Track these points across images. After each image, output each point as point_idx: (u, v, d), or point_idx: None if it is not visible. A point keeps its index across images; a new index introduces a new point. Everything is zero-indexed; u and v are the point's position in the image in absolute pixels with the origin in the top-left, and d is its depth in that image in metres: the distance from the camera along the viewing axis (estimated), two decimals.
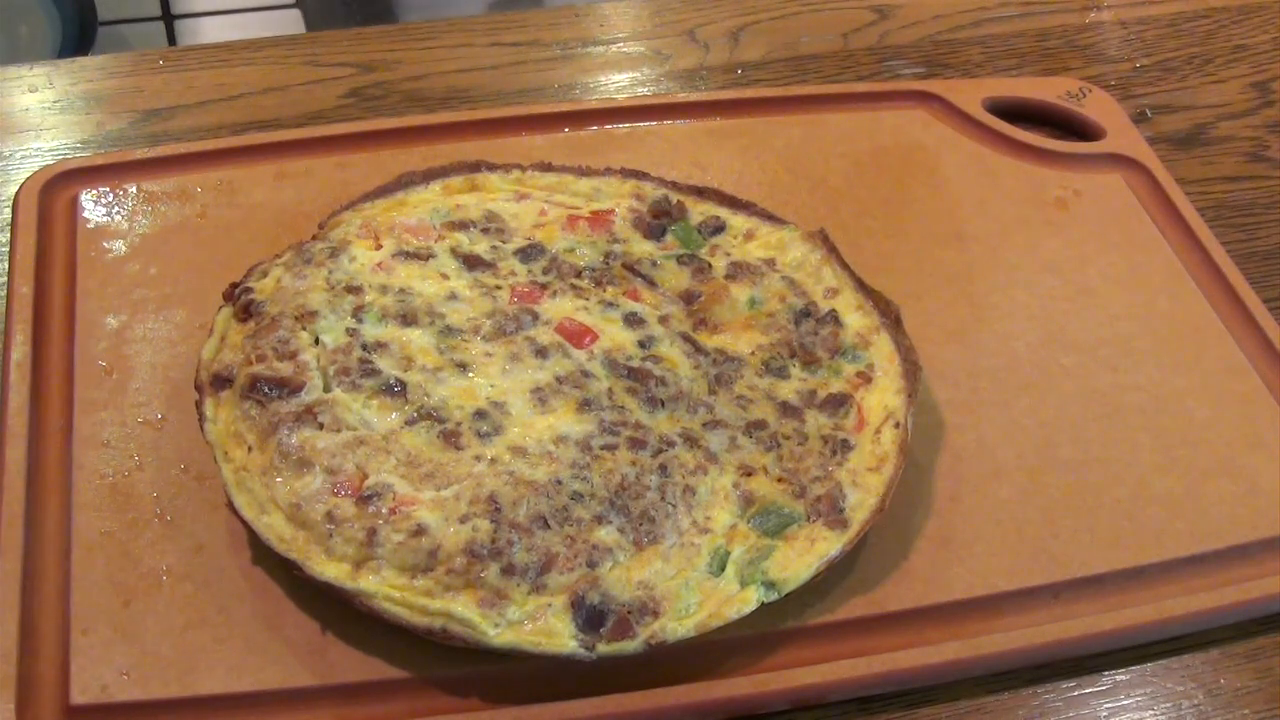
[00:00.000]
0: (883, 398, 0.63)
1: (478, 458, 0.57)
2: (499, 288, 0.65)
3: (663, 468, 0.58)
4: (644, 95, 0.86)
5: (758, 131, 0.81)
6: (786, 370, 0.64)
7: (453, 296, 0.64)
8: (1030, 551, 0.61)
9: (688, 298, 0.66)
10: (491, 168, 0.71)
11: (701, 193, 0.72)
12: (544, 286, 0.66)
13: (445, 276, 0.65)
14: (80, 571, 0.57)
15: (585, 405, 0.60)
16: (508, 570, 0.53)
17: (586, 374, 0.61)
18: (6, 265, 0.69)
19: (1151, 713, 0.58)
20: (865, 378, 0.64)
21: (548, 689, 0.54)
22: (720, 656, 0.56)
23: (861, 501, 0.58)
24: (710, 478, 0.58)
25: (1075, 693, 0.58)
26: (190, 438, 0.61)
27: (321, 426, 0.57)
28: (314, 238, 0.67)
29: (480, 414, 0.59)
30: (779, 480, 0.59)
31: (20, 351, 0.64)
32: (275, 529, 0.55)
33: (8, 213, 0.72)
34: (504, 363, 0.61)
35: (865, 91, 0.85)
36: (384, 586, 0.53)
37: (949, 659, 0.56)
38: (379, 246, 0.66)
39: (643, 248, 0.69)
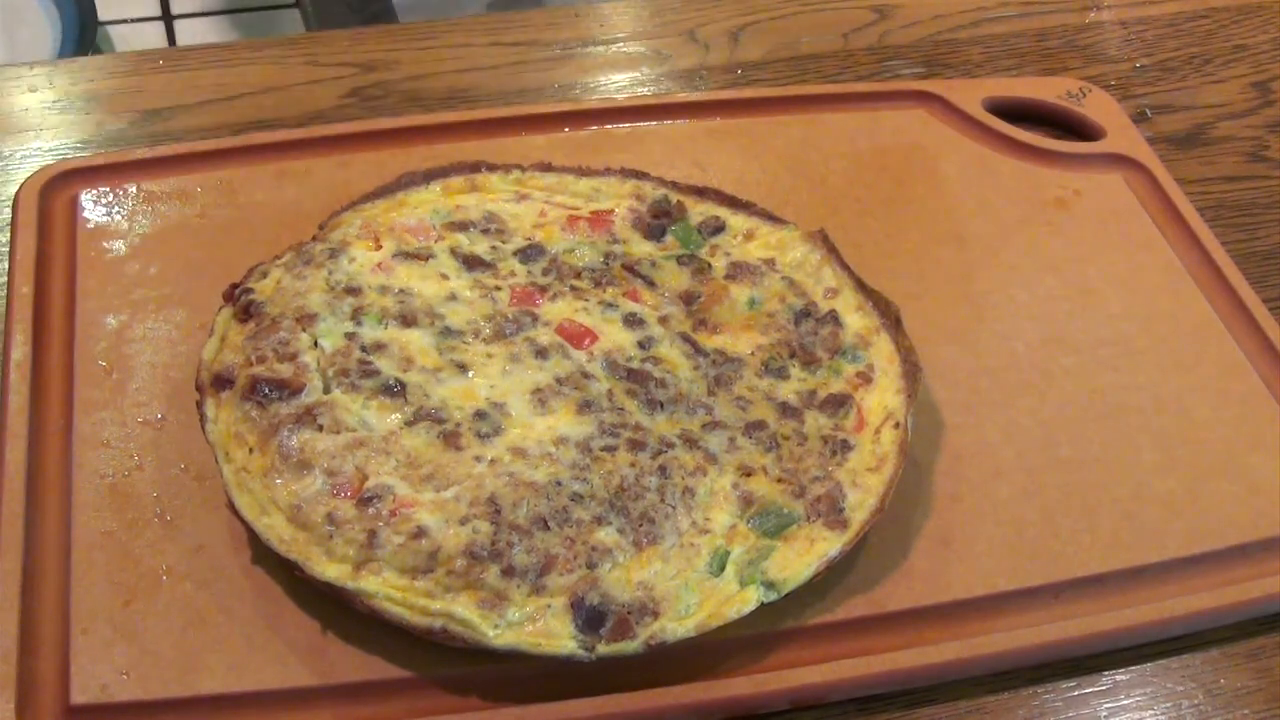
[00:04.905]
0: (883, 398, 0.63)
1: (478, 458, 0.57)
2: (499, 288, 0.65)
3: (662, 469, 0.58)
4: (644, 95, 0.86)
5: (758, 131, 0.81)
6: (786, 370, 0.64)
7: (452, 297, 0.64)
8: (1030, 551, 0.61)
9: (687, 298, 0.66)
10: (491, 168, 0.71)
11: (701, 193, 0.72)
12: (544, 288, 0.66)
13: (445, 277, 0.65)
14: (80, 571, 0.57)
15: (585, 407, 0.60)
16: (508, 572, 0.53)
17: (586, 375, 0.61)
18: (6, 265, 0.69)
19: (1151, 713, 0.58)
20: (865, 378, 0.64)
21: (548, 689, 0.54)
22: (720, 656, 0.56)
23: (861, 502, 0.58)
24: (709, 479, 0.58)
25: (1075, 693, 0.58)
26: (190, 438, 0.61)
27: (321, 428, 0.57)
28: (314, 238, 0.67)
29: (480, 414, 0.59)
30: (778, 480, 0.59)
31: (20, 351, 0.64)
32: (276, 530, 0.55)
33: (8, 213, 0.72)
34: (504, 363, 0.61)
35: (865, 91, 0.85)
36: (384, 586, 0.53)
37: (949, 659, 0.56)
38: (379, 247, 0.66)
39: (642, 248, 0.69)
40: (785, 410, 0.62)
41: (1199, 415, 0.67)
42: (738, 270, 0.68)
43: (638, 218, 0.70)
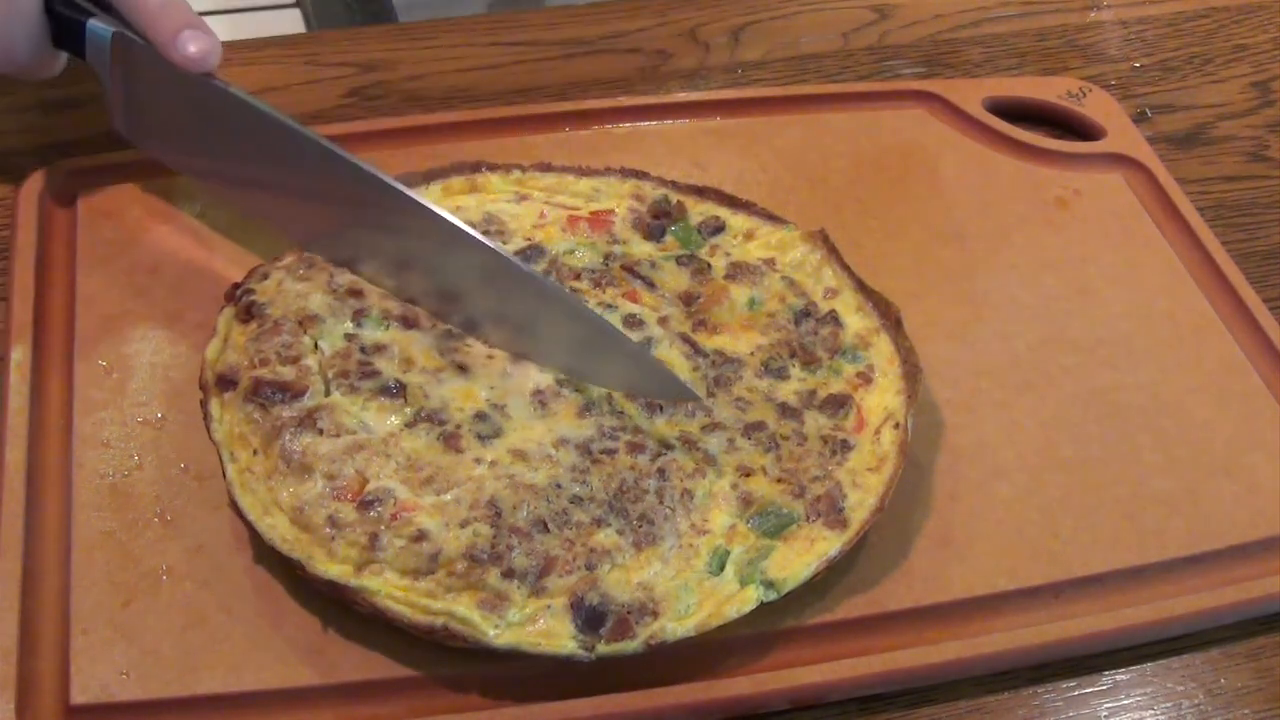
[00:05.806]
0: (883, 399, 0.63)
1: (477, 461, 0.57)
2: None
3: (661, 471, 0.58)
4: (644, 95, 0.86)
5: (758, 131, 0.81)
6: (786, 371, 0.64)
7: None
8: (1030, 551, 0.61)
9: (687, 299, 0.66)
10: (492, 168, 0.71)
11: (701, 193, 0.72)
12: None
13: None
14: (80, 571, 0.57)
15: (585, 410, 0.60)
16: (508, 574, 0.53)
17: None
18: (6, 265, 0.69)
19: (1151, 713, 0.58)
20: (865, 378, 0.64)
21: (548, 689, 0.54)
22: (720, 656, 0.56)
23: (861, 501, 0.58)
24: (708, 480, 0.58)
25: (1075, 693, 0.58)
26: (190, 438, 0.61)
27: (321, 432, 0.57)
28: None
29: (480, 416, 0.59)
30: (778, 481, 0.59)
31: (20, 351, 0.64)
32: (279, 529, 0.55)
33: (8, 213, 0.72)
34: (504, 365, 0.61)
35: (865, 91, 0.85)
36: (386, 585, 0.53)
37: (949, 659, 0.56)
38: None
39: (642, 249, 0.69)
40: (785, 411, 0.62)
41: (1199, 415, 0.67)
42: (737, 270, 0.68)
43: (638, 218, 0.70)
